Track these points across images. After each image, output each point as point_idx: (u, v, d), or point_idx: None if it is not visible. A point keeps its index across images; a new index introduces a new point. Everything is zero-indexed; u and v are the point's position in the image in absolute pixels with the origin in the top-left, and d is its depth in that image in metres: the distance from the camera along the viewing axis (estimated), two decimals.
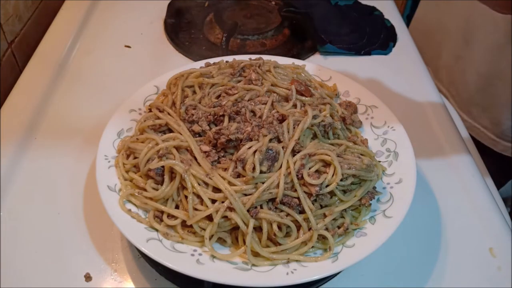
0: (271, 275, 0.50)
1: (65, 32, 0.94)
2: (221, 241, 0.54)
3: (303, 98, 0.65)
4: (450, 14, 0.87)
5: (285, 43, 0.95)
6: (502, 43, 0.79)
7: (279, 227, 0.53)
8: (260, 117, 0.61)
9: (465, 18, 0.83)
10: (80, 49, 0.91)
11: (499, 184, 0.80)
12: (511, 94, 0.80)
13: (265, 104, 0.62)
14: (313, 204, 0.54)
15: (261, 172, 0.54)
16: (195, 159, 0.56)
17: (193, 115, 0.61)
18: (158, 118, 0.63)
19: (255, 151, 0.55)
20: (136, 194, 0.56)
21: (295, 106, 0.64)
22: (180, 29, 0.97)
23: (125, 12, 1.02)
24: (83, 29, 0.96)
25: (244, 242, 0.52)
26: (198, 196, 0.54)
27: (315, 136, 0.61)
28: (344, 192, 0.56)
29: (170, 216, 0.54)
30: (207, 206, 0.53)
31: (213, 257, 0.51)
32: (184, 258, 0.51)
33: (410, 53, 0.94)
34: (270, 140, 0.56)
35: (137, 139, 0.60)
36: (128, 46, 0.92)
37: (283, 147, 0.56)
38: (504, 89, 0.81)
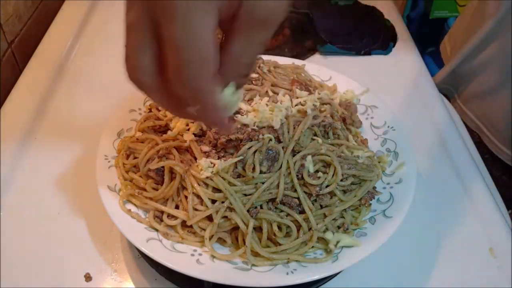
0: (271, 275, 0.50)
1: (65, 32, 0.94)
2: (221, 241, 0.54)
3: None
4: (493, 44, 0.85)
5: (285, 43, 0.95)
6: None
7: (279, 227, 0.53)
8: None
9: (506, 52, 0.81)
10: (80, 49, 0.91)
11: None
12: None
13: None
14: (313, 204, 0.54)
15: (261, 172, 0.54)
16: (195, 159, 0.56)
17: None
18: (158, 118, 0.63)
19: (255, 151, 0.55)
20: (136, 194, 0.56)
21: None
22: None
23: None
24: (83, 29, 0.96)
25: (244, 242, 0.52)
26: (198, 196, 0.54)
27: (315, 136, 0.61)
28: (344, 192, 0.56)
29: (170, 216, 0.54)
30: (207, 206, 0.53)
31: (213, 257, 0.51)
32: (184, 258, 0.51)
33: (410, 53, 0.94)
34: (270, 140, 0.56)
35: (137, 139, 0.60)
36: None
37: (283, 147, 0.56)
38: None
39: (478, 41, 0.86)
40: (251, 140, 0.57)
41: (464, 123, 0.91)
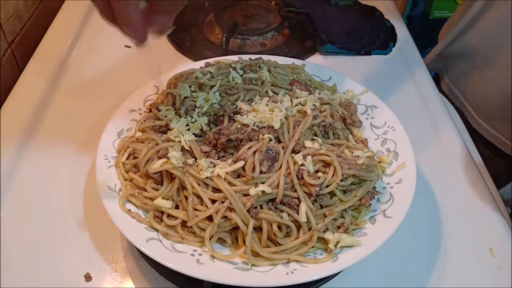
0: (271, 275, 0.50)
1: (65, 32, 0.94)
2: (221, 241, 0.54)
3: None
4: (479, 28, 0.91)
5: (285, 43, 0.95)
6: None
7: (279, 227, 0.53)
8: None
9: (491, 35, 0.87)
10: (80, 49, 0.91)
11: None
12: None
13: None
14: (313, 204, 0.54)
15: (261, 172, 0.54)
16: (195, 159, 0.56)
17: (192, 116, 0.61)
18: (158, 118, 0.63)
19: (255, 151, 0.55)
20: (136, 194, 0.56)
21: None
22: (180, 29, 0.97)
23: None
24: (83, 29, 0.96)
25: (244, 242, 0.52)
26: (198, 196, 0.54)
27: (315, 136, 0.61)
28: (344, 192, 0.56)
29: (170, 216, 0.54)
30: (207, 206, 0.53)
31: (213, 257, 0.51)
32: (184, 258, 0.51)
33: (410, 53, 0.94)
34: (270, 140, 0.56)
35: (137, 139, 0.60)
36: (128, 46, 0.92)
37: (283, 147, 0.56)
38: None
39: (462, 26, 0.92)
40: (251, 140, 0.57)
41: (452, 102, 0.97)
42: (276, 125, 0.58)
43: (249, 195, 0.53)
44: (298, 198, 0.54)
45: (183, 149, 0.57)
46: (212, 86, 0.66)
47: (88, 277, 0.56)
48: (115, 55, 0.90)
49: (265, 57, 0.73)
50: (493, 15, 0.86)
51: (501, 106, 0.87)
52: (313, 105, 0.63)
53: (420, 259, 0.59)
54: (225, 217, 0.52)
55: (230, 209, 0.52)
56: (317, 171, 0.55)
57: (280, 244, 0.53)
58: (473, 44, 0.92)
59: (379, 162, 0.62)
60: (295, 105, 0.63)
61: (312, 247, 0.53)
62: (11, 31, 0.86)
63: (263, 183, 0.53)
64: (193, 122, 0.61)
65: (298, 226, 0.53)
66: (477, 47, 0.91)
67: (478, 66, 0.92)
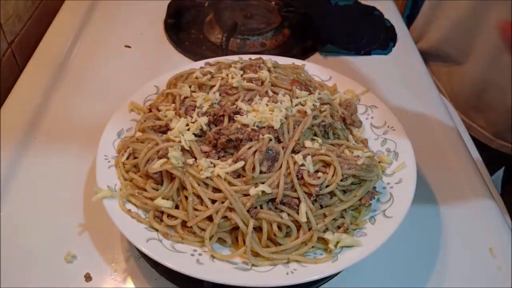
0: (271, 275, 0.50)
1: (65, 32, 0.94)
2: (221, 241, 0.54)
3: None
4: (453, 22, 0.94)
5: (285, 43, 0.95)
6: (495, 54, 0.86)
7: (279, 227, 0.53)
8: None
9: (466, 28, 0.91)
10: (80, 49, 0.91)
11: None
12: (511, 100, 0.86)
13: None
14: (313, 204, 0.54)
15: (261, 172, 0.54)
16: (195, 159, 0.56)
17: (192, 116, 0.61)
18: (158, 118, 0.63)
19: (255, 151, 0.55)
20: (136, 194, 0.56)
21: None
22: (180, 29, 0.97)
23: (125, 12, 1.02)
24: (83, 29, 0.96)
25: (244, 242, 0.52)
26: (198, 196, 0.54)
27: (315, 136, 0.61)
28: (344, 192, 0.56)
29: (170, 216, 0.54)
30: (207, 206, 0.53)
31: (213, 257, 0.51)
32: (184, 258, 0.51)
33: (410, 53, 0.94)
34: (270, 140, 0.56)
35: (137, 139, 0.60)
36: (128, 46, 0.92)
37: (283, 147, 0.56)
38: (497, 95, 0.89)
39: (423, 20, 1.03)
40: (251, 140, 0.57)
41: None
42: (276, 125, 0.58)
43: (249, 195, 0.53)
44: (298, 198, 0.54)
45: (183, 149, 0.57)
46: (212, 86, 0.66)
47: (88, 277, 0.56)
48: (115, 55, 0.90)
49: (265, 57, 0.73)
50: (460, 7, 0.91)
51: (475, 96, 0.92)
52: (313, 105, 0.63)
53: (420, 259, 0.59)
54: (225, 217, 0.52)
55: (230, 209, 0.52)
56: (317, 171, 0.55)
57: (280, 244, 0.53)
58: (445, 37, 0.97)
59: (379, 162, 0.62)
60: (295, 105, 0.63)
61: (312, 247, 0.53)
62: (11, 31, 0.86)
63: (263, 183, 0.53)
64: (193, 122, 0.60)
65: (298, 226, 0.53)
66: (450, 40, 0.96)
67: (453, 58, 0.96)
